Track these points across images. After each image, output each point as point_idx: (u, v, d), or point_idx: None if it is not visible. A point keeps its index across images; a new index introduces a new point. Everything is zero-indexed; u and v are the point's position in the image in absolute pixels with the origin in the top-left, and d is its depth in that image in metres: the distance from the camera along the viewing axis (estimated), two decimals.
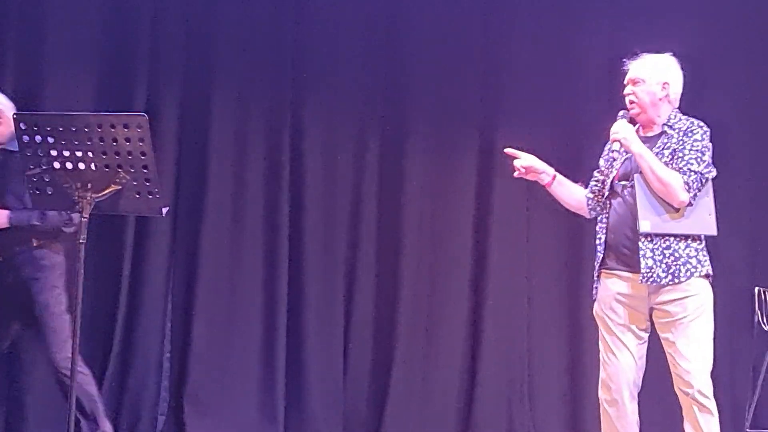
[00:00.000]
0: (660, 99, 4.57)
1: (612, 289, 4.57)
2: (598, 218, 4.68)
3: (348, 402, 6.57)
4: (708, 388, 4.47)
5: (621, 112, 4.62)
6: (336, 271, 6.63)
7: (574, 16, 6.84)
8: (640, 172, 4.47)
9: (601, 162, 4.75)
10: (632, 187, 4.49)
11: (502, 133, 6.69)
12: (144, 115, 4.22)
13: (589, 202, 4.77)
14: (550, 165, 6.64)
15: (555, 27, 6.83)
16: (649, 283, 4.43)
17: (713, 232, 4.51)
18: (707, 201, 4.51)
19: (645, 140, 4.56)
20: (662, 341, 4.51)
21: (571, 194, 4.83)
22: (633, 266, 4.48)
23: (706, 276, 4.52)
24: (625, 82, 4.63)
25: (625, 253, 4.52)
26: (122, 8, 6.45)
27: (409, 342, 6.62)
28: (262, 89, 6.63)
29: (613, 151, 4.58)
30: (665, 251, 4.44)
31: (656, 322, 4.53)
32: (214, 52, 6.59)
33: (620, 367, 4.57)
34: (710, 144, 4.51)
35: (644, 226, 4.41)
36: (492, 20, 6.80)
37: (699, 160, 4.46)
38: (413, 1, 6.75)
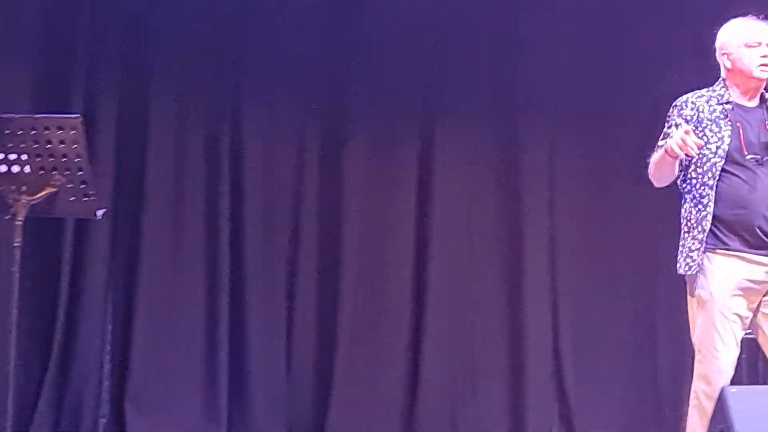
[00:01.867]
0: None
1: (737, 272, 4.22)
2: (703, 190, 4.29)
3: (291, 402, 6.56)
4: None
5: None
6: (277, 272, 6.62)
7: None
8: None
9: (685, 124, 4.28)
10: (763, 162, 4.20)
11: (441, 127, 6.73)
12: (78, 117, 4.21)
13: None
14: (492, 158, 6.78)
15: (493, 19, 6.84)
16: None
17: None
18: None
19: (749, 110, 4.31)
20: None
21: (675, 168, 4.39)
22: (763, 249, 4.19)
23: None
24: (755, 41, 4.27)
25: (758, 235, 4.20)
26: (59, 9, 6.38)
27: (352, 341, 6.62)
28: (201, 90, 6.60)
29: None
30: None
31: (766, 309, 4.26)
32: (153, 54, 6.55)
33: (727, 363, 4.26)
34: None
35: None
36: (433, 12, 6.78)
37: None
38: (354, 3, 6.73)
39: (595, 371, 6.69)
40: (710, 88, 4.41)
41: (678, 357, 6.51)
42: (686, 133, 4.09)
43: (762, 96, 4.33)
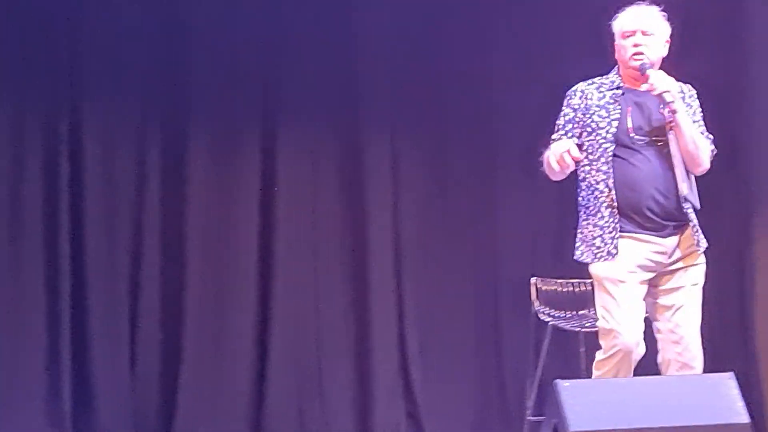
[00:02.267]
0: (663, 57, 4.35)
1: (632, 253, 4.26)
2: (598, 176, 4.30)
3: (137, 405, 6.48)
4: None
5: (643, 63, 4.26)
6: (119, 273, 6.52)
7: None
8: (660, 128, 4.23)
9: (573, 113, 4.39)
10: (653, 143, 4.22)
11: (284, 128, 6.73)
12: None
13: None
14: (330, 162, 6.81)
15: (333, 21, 6.86)
16: (697, 246, 4.24)
17: (698, 206, 4.32)
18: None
19: (642, 95, 4.28)
20: (659, 308, 4.32)
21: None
22: (658, 230, 4.24)
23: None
24: (629, 31, 4.30)
25: (648, 216, 4.24)
26: None
27: (198, 342, 6.56)
28: (38, 92, 6.47)
29: (669, 103, 4.17)
30: (691, 216, 4.28)
31: (661, 288, 4.32)
32: None
33: (636, 333, 4.23)
34: None
35: (684, 189, 4.20)
36: (270, 16, 6.77)
37: (704, 127, 4.32)
38: (192, 7, 6.66)
39: (441, 369, 6.78)
40: (606, 75, 4.44)
41: (522, 353, 6.65)
42: (567, 151, 4.16)
43: None
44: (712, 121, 4.67)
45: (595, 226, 4.32)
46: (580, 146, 4.34)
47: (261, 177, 6.71)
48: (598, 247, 4.29)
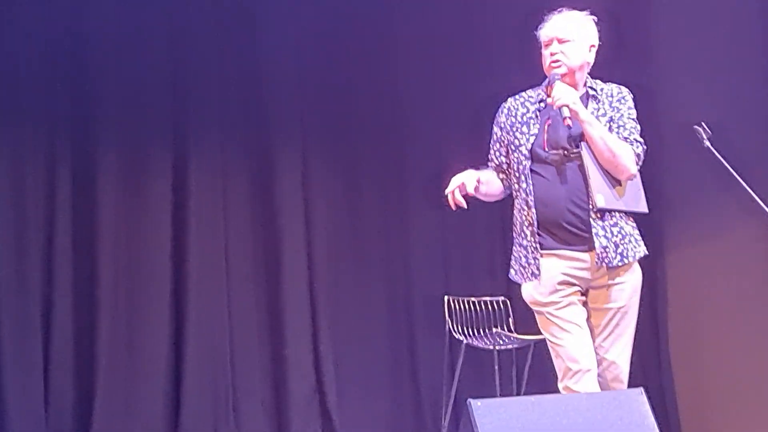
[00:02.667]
0: (587, 62, 4.18)
1: (554, 271, 4.10)
2: (520, 194, 4.18)
3: (51, 421, 6.33)
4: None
5: (552, 74, 4.13)
6: (31, 297, 6.36)
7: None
8: (582, 140, 4.08)
9: (499, 131, 4.27)
10: (568, 156, 4.08)
11: (195, 144, 6.66)
12: None
13: (503, 181, 4.29)
14: (241, 178, 6.75)
15: (240, 36, 6.83)
16: (604, 264, 4.05)
17: (646, 210, 4.18)
18: (638, 175, 4.20)
19: (556, 109, 4.12)
20: (590, 323, 4.15)
21: (493, 184, 4.28)
22: (576, 244, 4.08)
23: (644, 257, 4.20)
24: (546, 39, 4.17)
25: (569, 230, 4.08)
26: None
27: (111, 362, 6.42)
28: None
29: (565, 118, 4.03)
30: (613, 229, 4.07)
31: (592, 305, 4.16)
32: None
33: (577, 344, 4.07)
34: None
35: (600, 200, 4.03)
36: (178, 31, 6.71)
37: (637, 129, 4.16)
38: (96, 18, 6.54)
39: (356, 387, 6.77)
40: (536, 88, 4.31)
41: (436, 372, 6.66)
42: (453, 191, 4.08)
43: (589, 90, 4.22)
44: None
45: (520, 245, 4.21)
46: (504, 168, 4.27)
47: (172, 193, 6.63)
48: (523, 267, 4.19)
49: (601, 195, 4.03)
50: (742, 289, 6.20)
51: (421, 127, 7.06)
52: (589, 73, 4.23)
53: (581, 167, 4.07)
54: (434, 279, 6.93)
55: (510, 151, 4.21)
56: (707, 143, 4.65)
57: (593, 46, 4.18)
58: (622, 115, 4.15)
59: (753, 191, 4.61)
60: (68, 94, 6.49)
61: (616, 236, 4.06)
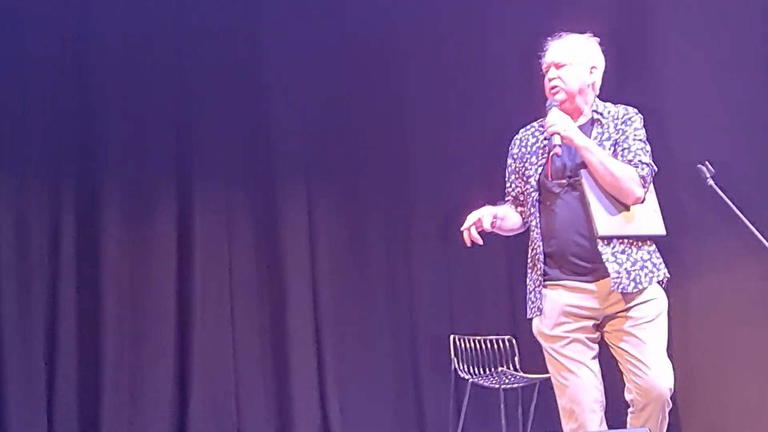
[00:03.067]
0: (588, 85, 4.07)
1: (560, 302, 4.00)
2: (531, 226, 4.10)
3: None
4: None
5: (549, 101, 4.05)
6: (35, 337, 6.36)
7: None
8: (581, 167, 3.97)
9: (513, 163, 4.18)
10: (572, 185, 3.98)
11: (199, 187, 6.68)
12: None
13: (522, 214, 4.17)
14: (246, 219, 6.77)
15: (245, 75, 6.87)
16: (619, 290, 3.91)
17: (662, 231, 4.05)
18: (651, 197, 4.05)
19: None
20: (618, 350, 4.00)
21: (511, 219, 4.17)
22: (585, 275, 3.98)
23: (664, 279, 4.05)
24: (545, 66, 4.10)
25: (574, 262, 3.98)
26: None
27: (116, 396, 6.41)
28: None
29: (555, 146, 3.95)
30: (621, 256, 3.94)
31: (610, 331, 4.03)
32: None
33: (581, 385, 3.98)
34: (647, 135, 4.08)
35: (602, 228, 3.91)
36: (184, 69, 6.76)
37: (645, 150, 4.01)
38: (102, 58, 6.59)
39: (362, 428, 6.75)
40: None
41: (442, 411, 6.66)
42: (469, 227, 3.99)
43: (594, 114, 4.12)
44: None
45: (530, 279, 4.12)
46: (521, 200, 4.18)
47: (177, 235, 6.64)
48: (532, 302, 4.09)
49: (603, 222, 3.91)
50: (744, 328, 6.21)
51: (426, 167, 7.10)
52: (599, 96, 4.15)
53: (583, 195, 3.97)
54: (440, 317, 6.94)
55: (523, 182, 4.13)
56: (711, 182, 4.66)
57: (594, 67, 4.09)
58: (627, 137, 4.01)
59: (757, 230, 4.62)
60: (74, 134, 6.52)
61: (626, 263, 3.93)
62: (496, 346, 6.69)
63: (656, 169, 4.02)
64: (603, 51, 4.15)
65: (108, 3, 6.60)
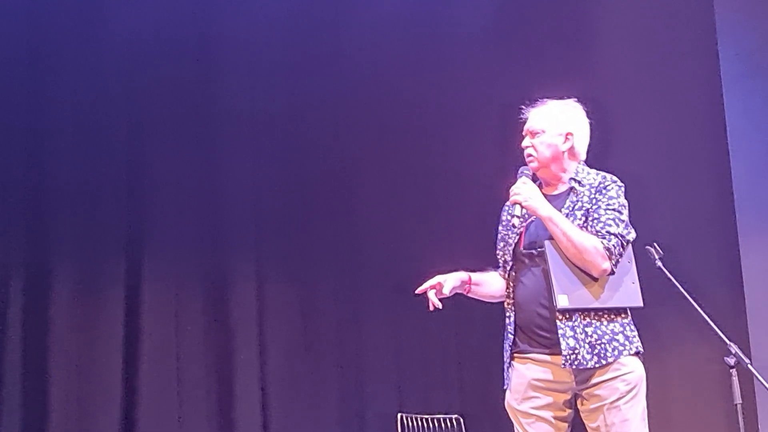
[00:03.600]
0: (563, 152, 4.05)
1: (527, 376, 3.96)
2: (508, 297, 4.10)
3: None
4: None
5: (520, 170, 4.05)
6: None
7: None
8: (551, 238, 3.92)
9: (501, 230, 4.18)
10: (540, 256, 3.94)
11: (149, 255, 6.62)
12: None
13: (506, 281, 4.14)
14: (193, 293, 6.69)
15: (193, 152, 6.84)
16: (573, 366, 3.83)
17: (639, 303, 3.97)
18: (629, 267, 3.99)
19: (550, 200, 3.99)
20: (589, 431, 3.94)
21: (491, 286, 4.19)
22: (551, 347, 3.90)
23: (637, 353, 3.94)
24: (524, 133, 4.11)
25: (539, 334, 3.93)
26: None
27: None
28: None
29: (513, 216, 3.96)
30: (586, 329, 3.86)
31: (583, 410, 3.95)
32: None
33: None
34: (626, 201, 4.01)
35: (562, 300, 3.83)
36: (136, 142, 6.72)
37: (617, 220, 3.92)
38: (50, 123, 6.52)
39: None
40: None
41: None
42: (427, 290, 4.05)
43: (572, 181, 4.09)
44: None
45: (504, 350, 4.08)
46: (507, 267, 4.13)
47: (125, 310, 6.55)
48: (506, 374, 4.07)
49: (565, 295, 3.83)
50: (694, 410, 6.21)
51: (376, 242, 7.08)
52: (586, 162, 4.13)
53: (547, 266, 3.91)
54: (387, 395, 6.88)
55: (506, 251, 4.11)
56: (659, 263, 4.67)
57: (570, 134, 4.06)
58: (599, 206, 3.95)
59: (704, 312, 4.63)
60: (22, 206, 6.43)
61: (591, 336, 3.85)
62: (443, 424, 6.64)
63: (630, 239, 3.97)
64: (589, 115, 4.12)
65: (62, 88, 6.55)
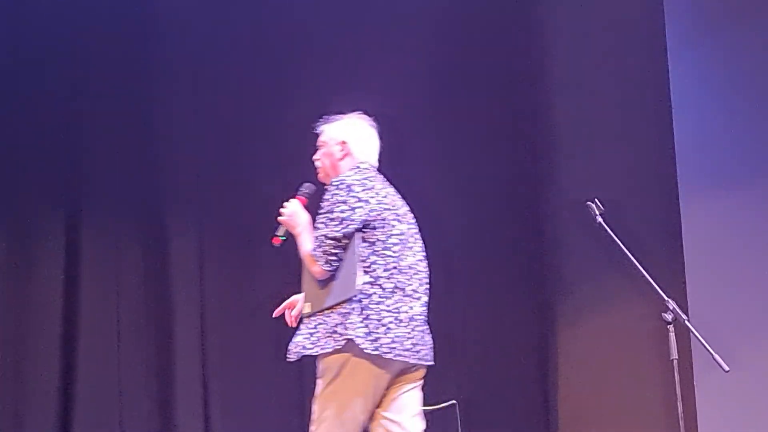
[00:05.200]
0: (339, 159, 4.32)
1: None
2: None
3: None
4: None
5: (303, 186, 4.44)
6: None
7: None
8: None
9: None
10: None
11: (88, 215, 6.54)
12: None
13: None
14: (139, 245, 6.62)
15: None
16: (293, 358, 4.11)
17: (352, 292, 4.03)
18: (351, 258, 4.09)
19: None
20: None
21: None
22: None
23: (350, 340, 3.99)
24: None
25: None
26: None
27: None
28: None
29: (275, 236, 4.38)
30: (319, 326, 4.06)
31: None
32: None
33: None
34: (344, 198, 4.10)
35: (306, 308, 4.16)
36: (75, 86, 6.62)
37: (327, 221, 4.09)
38: None
39: None
40: None
41: None
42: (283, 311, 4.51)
43: None
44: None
45: None
46: None
47: (65, 263, 6.47)
48: None
49: (309, 303, 4.15)
50: (632, 365, 6.27)
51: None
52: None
53: None
54: None
55: None
56: (600, 219, 4.70)
57: (344, 142, 4.33)
58: (319, 213, 4.18)
59: (643, 268, 4.66)
60: None
61: (319, 332, 4.06)
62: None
63: (339, 235, 4.06)
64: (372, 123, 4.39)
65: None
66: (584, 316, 6.58)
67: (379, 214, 4.11)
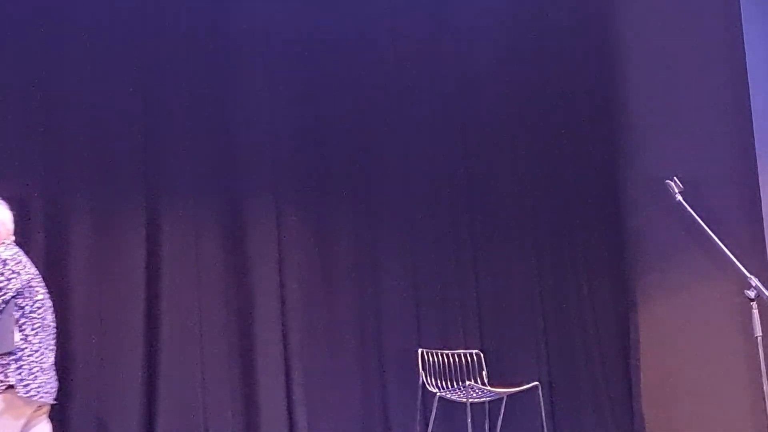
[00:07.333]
0: None
1: None
2: None
3: None
4: None
5: None
6: None
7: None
8: None
9: None
10: None
11: (167, 201, 6.62)
12: None
13: None
14: (212, 229, 6.70)
15: (211, 98, 6.82)
16: None
17: (8, 348, 4.75)
18: (9, 320, 4.78)
19: None
20: None
21: None
22: None
23: (11, 386, 4.73)
24: None
25: None
26: None
27: (83, 415, 6.34)
28: None
29: None
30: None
31: None
32: None
33: None
34: (0, 271, 4.75)
35: None
36: (151, 83, 6.70)
37: None
38: (67, 73, 6.51)
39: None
40: None
41: (409, 424, 6.63)
42: None
43: None
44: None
45: None
46: None
47: (146, 249, 6.54)
48: None
49: None
50: (715, 343, 6.24)
51: (393, 182, 7.09)
52: None
53: None
54: (407, 331, 6.92)
55: None
56: (679, 197, 4.68)
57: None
58: None
59: (724, 245, 4.64)
60: (40, 151, 6.42)
61: None
62: (463, 360, 6.69)
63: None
64: None
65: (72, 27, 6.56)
66: (666, 294, 6.55)
67: (27, 283, 4.84)
